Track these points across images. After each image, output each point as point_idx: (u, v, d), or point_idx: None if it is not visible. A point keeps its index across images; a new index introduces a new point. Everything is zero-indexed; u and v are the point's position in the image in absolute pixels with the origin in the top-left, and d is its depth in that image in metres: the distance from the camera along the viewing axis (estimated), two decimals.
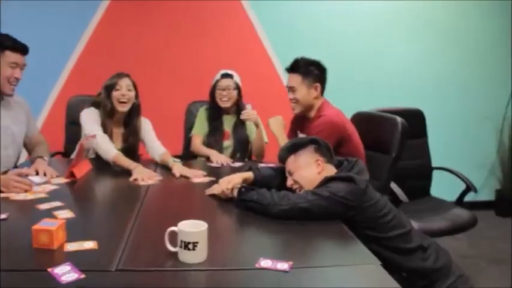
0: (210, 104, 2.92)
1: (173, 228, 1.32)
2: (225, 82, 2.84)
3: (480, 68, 4.06)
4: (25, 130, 2.44)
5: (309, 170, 1.82)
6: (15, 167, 2.35)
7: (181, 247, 1.30)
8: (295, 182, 1.84)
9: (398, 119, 2.49)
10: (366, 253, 1.43)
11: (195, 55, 3.84)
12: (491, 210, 4.07)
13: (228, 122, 2.92)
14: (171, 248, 1.33)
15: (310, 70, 2.44)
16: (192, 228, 1.31)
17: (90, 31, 3.77)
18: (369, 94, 3.82)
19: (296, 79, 2.44)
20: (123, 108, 2.53)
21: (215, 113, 2.90)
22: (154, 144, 2.60)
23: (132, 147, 2.61)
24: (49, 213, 1.63)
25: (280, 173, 1.95)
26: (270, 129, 2.56)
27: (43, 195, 1.87)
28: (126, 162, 2.34)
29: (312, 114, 2.48)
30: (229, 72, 2.88)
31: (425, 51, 4.02)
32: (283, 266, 1.30)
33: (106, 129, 2.51)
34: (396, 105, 3.08)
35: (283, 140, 2.42)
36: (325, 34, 3.91)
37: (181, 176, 2.29)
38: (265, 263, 1.32)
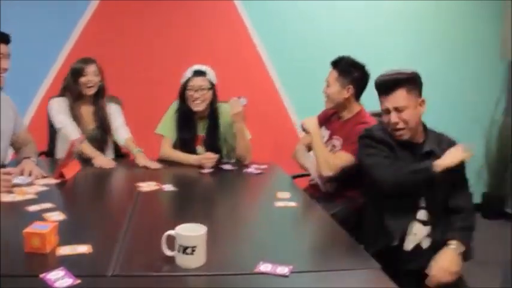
0: (180, 106, 2.60)
1: (171, 232, 1.28)
2: (198, 81, 2.51)
3: (469, 71, 4.09)
4: (12, 127, 2.37)
5: (417, 112, 1.83)
6: (3, 166, 2.28)
7: (179, 251, 1.26)
8: (404, 121, 1.81)
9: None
10: (366, 257, 1.41)
11: (185, 53, 3.78)
12: (478, 213, 4.11)
13: (201, 126, 2.64)
14: (168, 253, 1.29)
15: (349, 70, 2.36)
16: (191, 232, 1.27)
17: (78, 31, 3.70)
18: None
19: (333, 75, 2.40)
20: (90, 92, 2.64)
21: (186, 116, 2.59)
22: (120, 129, 2.72)
23: (103, 125, 2.71)
24: (39, 216, 1.57)
25: None
26: (306, 128, 2.38)
27: (32, 196, 1.82)
28: (88, 150, 2.53)
29: (347, 115, 2.41)
30: (202, 68, 2.55)
31: (413, 53, 4.02)
32: (283, 270, 1.28)
33: (75, 112, 2.63)
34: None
35: (320, 144, 2.32)
36: (316, 33, 3.91)
37: (144, 167, 2.42)
38: (265, 267, 1.29)
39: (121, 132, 2.71)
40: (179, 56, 3.79)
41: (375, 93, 1.92)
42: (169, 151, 2.60)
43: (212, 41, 3.83)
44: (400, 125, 1.82)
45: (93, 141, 2.65)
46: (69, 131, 2.56)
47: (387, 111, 1.84)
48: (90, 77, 2.60)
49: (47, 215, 1.58)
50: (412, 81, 1.83)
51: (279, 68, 3.90)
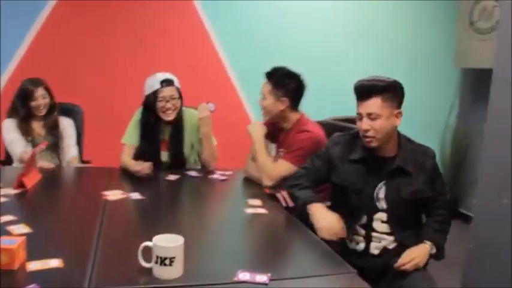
0: (145, 115, 2.53)
1: (148, 243, 1.25)
2: (168, 91, 2.46)
3: (423, 77, 4.24)
4: None
5: (390, 123, 1.79)
6: None
7: (156, 263, 1.24)
8: (375, 130, 1.78)
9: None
10: (341, 263, 1.44)
11: (142, 53, 3.71)
12: None
13: (165, 130, 2.58)
14: (145, 264, 1.26)
15: (283, 82, 2.32)
16: (168, 242, 1.25)
17: (32, 35, 3.55)
18: (320, 102, 3.88)
19: (266, 87, 2.36)
20: (41, 114, 2.69)
21: (152, 125, 2.53)
22: (68, 148, 2.74)
23: (55, 133, 2.73)
24: (2, 229, 1.50)
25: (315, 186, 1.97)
26: (250, 135, 2.37)
27: None
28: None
29: (288, 126, 2.39)
30: (169, 77, 2.49)
31: (371, 60, 4.12)
32: (262, 278, 1.28)
33: (27, 131, 2.66)
34: (343, 114, 3.10)
35: (261, 150, 2.31)
36: (277, 37, 3.94)
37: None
38: (244, 275, 1.29)
39: (68, 149, 2.74)
40: (136, 56, 3.70)
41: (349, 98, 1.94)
42: (125, 159, 2.51)
43: (173, 44, 3.78)
44: (370, 133, 1.79)
45: (47, 149, 2.59)
46: (14, 148, 2.61)
47: (360, 117, 1.82)
48: (40, 101, 2.65)
49: (11, 228, 1.51)
50: (389, 91, 1.79)
51: (240, 73, 3.90)
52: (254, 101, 3.82)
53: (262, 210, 1.92)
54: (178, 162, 2.59)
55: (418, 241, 1.80)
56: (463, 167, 4.17)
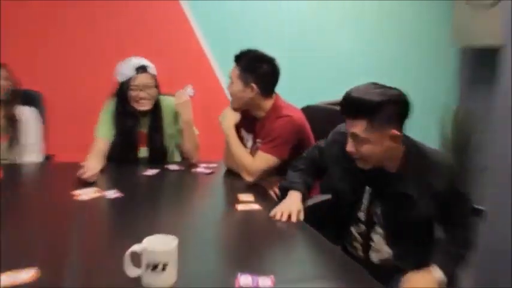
0: (119, 106, 2.47)
1: (135, 247, 1.21)
2: (142, 79, 2.40)
3: (420, 58, 4.28)
4: None
5: (382, 149, 1.58)
6: None
7: (147, 269, 1.19)
8: (360, 154, 1.61)
9: None
10: (349, 262, 1.43)
11: (119, 42, 3.62)
12: None
13: (142, 122, 2.53)
14: (133, 272, 1.22)
15: (253, 67, 2.25)
16: (160, 245, 1.21)
17: None
18: (311, 87, 3.87)
19: (235, 71, 2.29)
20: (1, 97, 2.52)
21: (126, 117, 2.47)
22: (28, 149, 2.56)
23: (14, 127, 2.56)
24: None
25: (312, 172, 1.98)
26: (221, 125, 2.33)
27: None
28: None
29: (261, 113, 2.32)
30: (143, 62, 2.44)
31: (369, 42, 4.15)
32: (265, 282, 1.25)
33: None
34: (337, 98, 3.11)
35: (235, 143, 2.27)
36: (261, 22, 3.91)
37: None
38: (245, 279, 1.26)
39: (27, 155, 2.55)
40: (113, 45, 3.61)
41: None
42: (91, 155, 2.40)
43: (149, 28, 3.69)
44: (356, 156, 1.64)
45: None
46: None
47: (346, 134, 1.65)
48: (2, 82, 2.51)
49: None
50: (382, 111, 1.54)
51: (220, 59, 3.84)
52: None
53: (256, 206, 1.90)
54: (158, 156, 2.54)
55: (423, 260, 1.60)
56: (467, 152, 4.20)
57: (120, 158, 2.46)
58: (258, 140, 2.34)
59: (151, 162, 2.50)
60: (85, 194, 1.96)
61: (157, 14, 3.72)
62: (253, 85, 2.24)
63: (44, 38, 3.53)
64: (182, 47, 3.78)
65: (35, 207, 1.94)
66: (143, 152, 2.55)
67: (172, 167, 2.49)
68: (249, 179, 2.20)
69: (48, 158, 2.75)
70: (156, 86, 2.47)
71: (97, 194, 1.98)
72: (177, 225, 1.75)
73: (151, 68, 2.47)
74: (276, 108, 2.29)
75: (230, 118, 2.31)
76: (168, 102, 2.56)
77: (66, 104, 3.43)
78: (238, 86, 2.27)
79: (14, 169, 2.38)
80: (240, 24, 3.87)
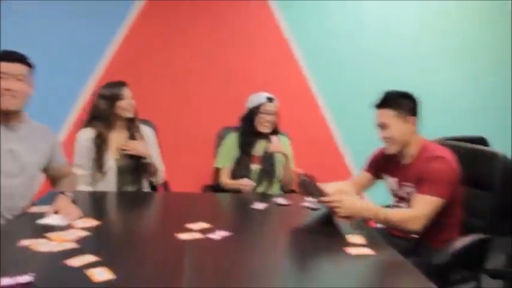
0: (245, 128, 2.92)
1: None
2: (271, 107, 2.88)
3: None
4: (44, 161, 2.26)
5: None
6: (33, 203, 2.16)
7: None
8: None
9: (498, 151, 2.24)
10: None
11: (225, 74, 3.71)
12: None
13: (258, 147, 2.92)
14: None
15: (402, 103, 2.20)
16: None
17: (111, 50, 3.64)
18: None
19: (387, 114, 2.19)
20: (129, 114, 2.66)
21: (249, 138, 2.91)
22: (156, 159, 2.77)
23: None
24: (81, 272, 1.39)
25: None
26: (357, 215, 2.06)
27: (72, 245, 1.63)
28: None
29: (411, 153, 2.22)
30: (272, 96, 2.92)
31: (469, 74, 3.94)
32: None
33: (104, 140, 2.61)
34: (445, 134, 2.83)
35: (384, 212, 2.07)
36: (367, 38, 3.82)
37: None
38: None
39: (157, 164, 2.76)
40: (218, 74, 3.70)
41: None
42: (225, 180, 2.90)
43: (253, 61, 3.76)
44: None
45: (127, 169, 2.64)
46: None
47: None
48: (129, 101, 2.64)
49: (91, 272, 1.40)
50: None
51: (324, 90, 3.80)
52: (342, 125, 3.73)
53: (368, 251, 1.71)
54: (269, 177, 2.87)
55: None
56: None
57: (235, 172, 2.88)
58: (405, 184, 2.23)
59: (262, 179, 2.86)
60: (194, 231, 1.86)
61: (269, 52, 3.78)
62: (411, 117, 2.19)
63: (159, 73, 3.67)
64: (290, 83, 3.80)
65: (149, 240, 1.90)
66: (255, 167, 2.89)
67: (280, 200, 2.44)
68: (416, 227, 2.02)
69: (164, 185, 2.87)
70: (276, 114, 2.91)
71: (202, 236, 1.80)
72: (291, 276, 1.60)
73: (276, 101, 2.92)
74: (427, 146, 2.21)
75: (353, 202, 2.06)
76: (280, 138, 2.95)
77: (175, 133, 3.53)
78: (397, 125, 2.18)
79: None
80: (347, 64, 3.81)
